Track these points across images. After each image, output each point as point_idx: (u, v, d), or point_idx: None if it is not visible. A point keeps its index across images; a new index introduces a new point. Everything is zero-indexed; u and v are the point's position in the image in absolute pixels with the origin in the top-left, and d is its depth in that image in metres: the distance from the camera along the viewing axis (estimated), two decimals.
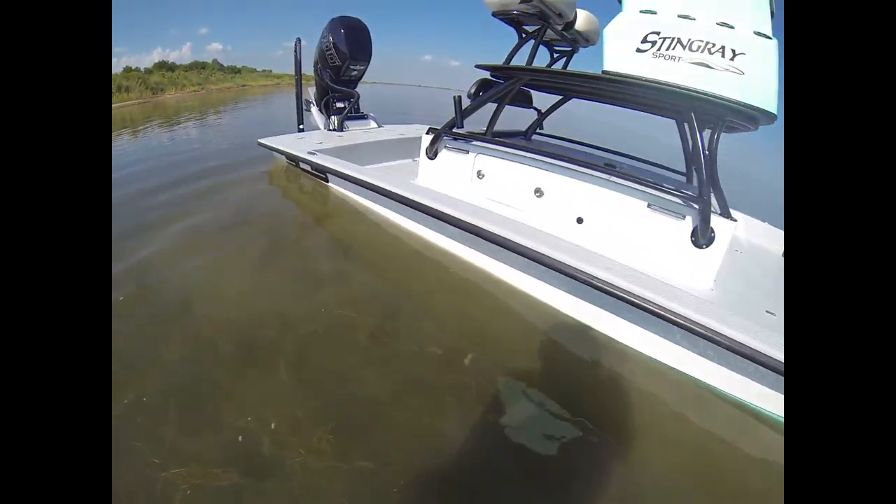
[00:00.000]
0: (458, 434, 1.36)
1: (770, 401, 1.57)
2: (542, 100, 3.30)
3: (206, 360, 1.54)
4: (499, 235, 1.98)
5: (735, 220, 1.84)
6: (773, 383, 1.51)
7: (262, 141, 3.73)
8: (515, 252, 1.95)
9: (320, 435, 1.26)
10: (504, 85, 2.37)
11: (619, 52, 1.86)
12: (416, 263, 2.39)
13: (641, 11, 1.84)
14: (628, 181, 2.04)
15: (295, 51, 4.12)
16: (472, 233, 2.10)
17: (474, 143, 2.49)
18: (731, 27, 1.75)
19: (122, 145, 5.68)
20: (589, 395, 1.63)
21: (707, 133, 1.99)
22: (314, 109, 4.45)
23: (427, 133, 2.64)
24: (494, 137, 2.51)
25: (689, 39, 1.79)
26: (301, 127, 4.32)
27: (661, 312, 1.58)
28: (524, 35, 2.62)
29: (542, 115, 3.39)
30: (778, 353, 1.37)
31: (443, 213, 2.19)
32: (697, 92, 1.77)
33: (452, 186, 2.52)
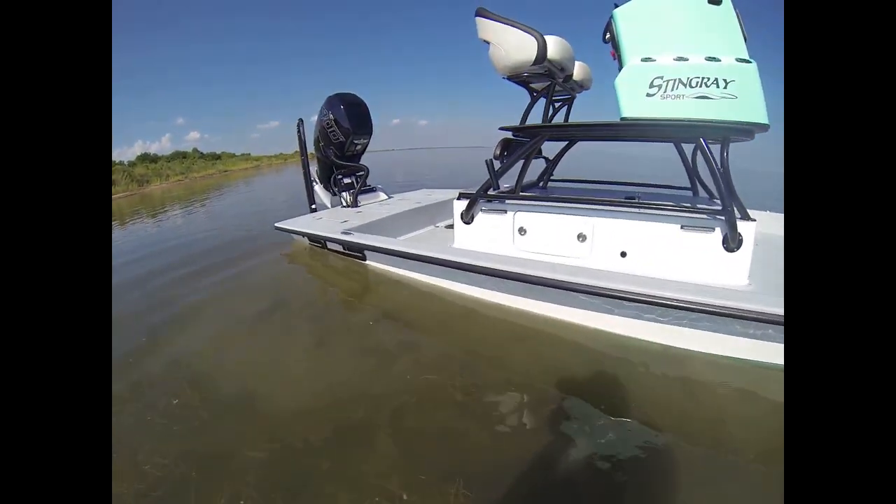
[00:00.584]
0: (569, 460, 1.41)
1: None
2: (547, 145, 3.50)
3: (297, 450, 1.47)
4: (573, 282, 2.10)
5: (755, 220, 2.02)
6: None
7: (279, 225, 3.77)
8: (580, 292, 2.09)
9: (455, 492, 1.26)
10: (530, 143, 2.54)
11: (632, 100, 2.06)
12: (476, 322, 2.43)
13: (643, 60, 2.06)
14: (656, 209, 2.21)
15: (298, 131, 4.24)
16: (537, 284, 2.20)
17: (508, 201, 2.60)
18: (718, 60, 1.98)
19: (119, 237, 5.75)
20: (667, 400, 1.72)
21: (716, 151, 2.16)
22: (318, 188, 4.50)
23: (459, 199, 2.73)
24: (522, 193, 2.65)
25: (688, 78, 1.99)
26: (313, 207, 4.35)
27: (713, 310, 1.79)
28: (535, 94, 2.83)
29: (553, 163, 3.56)
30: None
31: (519, 273, 2.27)
32: (704, 121, 1.99)
33: (496, 246, 2.61)
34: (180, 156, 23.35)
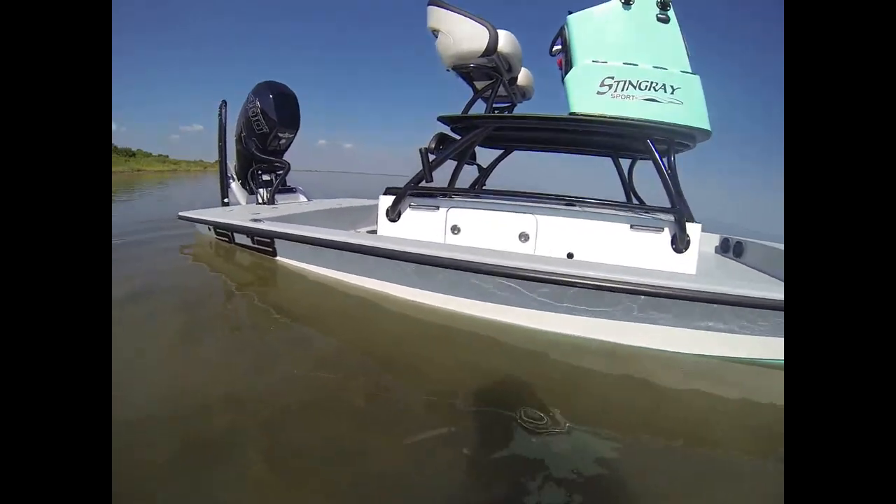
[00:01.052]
0: (511, 483, 1.07)
1: (772, 348, 1.78)
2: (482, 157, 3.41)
3: (124, 476, 0.98)
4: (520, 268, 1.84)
5: (700, 223, 2.02)
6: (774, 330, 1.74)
7: (184, 214, 3.25)
8: (526, 279, 1.85)
9: None
10: (471, 135, 2.35)
11: (583, 96, 2.03)
12: (388, 319, 2.10)
13: (594, 62, 2.04)
14: (605, 208, 2.15)
15: (219, 114, 3.79)
16: (475, 272, 1.92)
17: (440, 197, 2.38)
18: (665, 69, 2.03)
19: None
20: (628, 401, 1.54)
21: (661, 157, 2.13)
22: (234, 185, 4.02)
23: (385, 194, 2.44)
24: (457, 191, 2.48)
25: (638, 81, 2.00)
26: (226, 200, 3.87)
27: (669, 292, 1.67)
28: (477, 92, 2.68)
29: (486, 171, 3.44)
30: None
31: (454, 259, 1.95)
32: (654, 122, 1.99)
33: None
34: None
